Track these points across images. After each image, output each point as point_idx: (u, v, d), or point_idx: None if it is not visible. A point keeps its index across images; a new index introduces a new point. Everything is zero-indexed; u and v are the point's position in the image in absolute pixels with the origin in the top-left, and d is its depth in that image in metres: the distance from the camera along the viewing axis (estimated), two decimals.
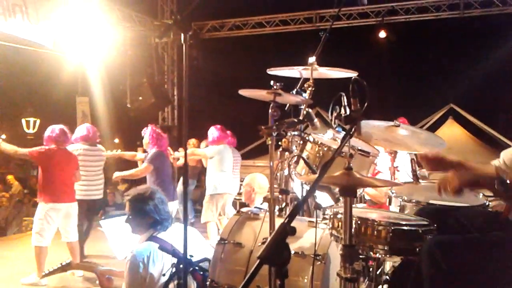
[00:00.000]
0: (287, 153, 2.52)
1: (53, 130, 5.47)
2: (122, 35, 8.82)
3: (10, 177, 13.12)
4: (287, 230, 1.23)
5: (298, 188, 2.95)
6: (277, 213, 2.43)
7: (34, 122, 13.50)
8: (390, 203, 3.05)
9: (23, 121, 13.26)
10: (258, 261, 1.18)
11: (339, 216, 2.09)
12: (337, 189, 2.22)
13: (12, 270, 5.63)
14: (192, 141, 8.00)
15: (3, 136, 5.52)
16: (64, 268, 3.04)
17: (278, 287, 1.25)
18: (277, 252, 1.20)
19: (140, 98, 9.06)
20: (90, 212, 6.18)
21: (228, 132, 6.89)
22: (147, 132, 5.98)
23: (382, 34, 9.75)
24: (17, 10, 6.76)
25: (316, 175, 2.18)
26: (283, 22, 10.30)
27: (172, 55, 10.49)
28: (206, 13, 10.11)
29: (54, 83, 11.65)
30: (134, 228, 2.86)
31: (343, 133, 2.64)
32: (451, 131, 11.55)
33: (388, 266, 2.54)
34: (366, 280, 2.32)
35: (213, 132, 6.59)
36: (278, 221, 2.29)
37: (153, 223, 2.83)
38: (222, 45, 10.85)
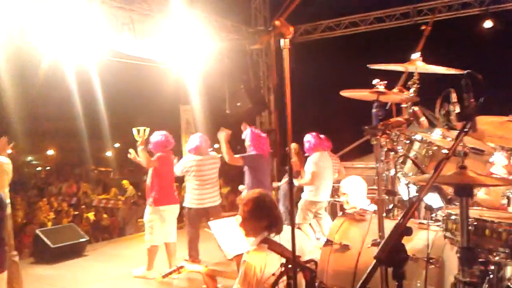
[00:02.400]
0: (392, 153, 2.45)
1: (160, 136, 5.92)
2: (218, 44, 9.19)
3: (125, 182, 14.28)
4: (404, 230, 1.21)
5: (403, 189, 2.86)
6: (383, 214, 2.38)
7: (144, 131, 14.51)
8: (509, 204, 2.82)
9: (134, 130, 14.32)
10: (374, 261, 1.18)
11: (452, 217, 1.99)
12: (450, 190, 2.12)
13: (130, 267, 6.05)
14: (293, 145, 8.03)
15: (131, 151, 5.99)
16: (178, 269, 3.25)
17: None
18: (394, 253, 1.19)
19: (238, 104, 9.36)
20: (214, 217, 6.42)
21: (322, 136, 6.81)
22: (247, 134, 6.12)
23: (488, 24, 9.05)
24: (125, 28, 7.39)
25: (426, 176, 2.11)
26: (378, 19, 10.00)
27: (267, 61, 10.70)
28: (298, 17, 10.17)
29: (160, 93, 12.46)
30: (248, 231, 2.94)
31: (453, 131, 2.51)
32: None
33: (509, 271, 2.36)
34: (486, 286, 2.18)
35: (309, 139, 6.58)
36: (385, 223, 2.24)
37: (267, 226, 2.89)
38: (314, 48, 10.83)
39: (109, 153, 30.50)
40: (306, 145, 6.59)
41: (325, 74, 11.53)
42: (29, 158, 28.93)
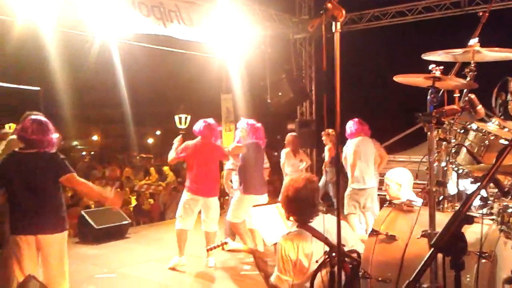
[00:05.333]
0: (444, 143, 2.36)
1: (199, 124, 5.79)
2: (262, 33, 9.16)
3: (165, 168, 14.58)
4: (464, 218, 1.15)
5: (452, 182, 2.76)
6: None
7: (186, 118, 14.80)
8: None
9: (176, 117, 14.60)
10: (431, 250, 1.13)
11: (509, 210, 1.89)
12: (506, 182, 2.02)
13: (169, 251, 6.14)
14: (330, 131, 7.91)
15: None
16: (222, 245, 3.29)
17: (454, 279, 1.18)
18: (453, 241, 1.14)
19: (280, 93, 9.32)
20: None
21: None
22: (243, 126, 6.08)
23: None
24: (172, 16, 7.49)
25: (483, 165, 2.01)
26: (426, 9, 9.64)
27: (310, 51, 10.58)
28: (342, 5, 9.96)
29: (202, 82, 12.57)
30: (289, 213, 2.94)
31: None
32: None
33: None
34: None
35: (350, 125, 6.53)
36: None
37: (306, 212, 2.88)
38: (359, 38, 10.58)
39: (150, 140, 31.24)
40: (348, 131, 6.55)
41: (369, 65, 11.29)
42: (75, 143, 29.98)
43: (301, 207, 2.86)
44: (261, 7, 9.17)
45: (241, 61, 9.73)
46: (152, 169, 14.89)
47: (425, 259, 1.13)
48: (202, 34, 8.13)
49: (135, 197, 12.17)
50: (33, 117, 3.72)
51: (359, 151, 6.36)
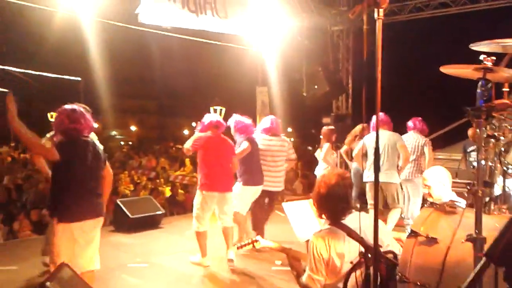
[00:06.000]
0: (492, 140, 2.19)
1: (211, 117, 5.57)
2: (299, 25, 9.00)
3: (187, 160, 14.79)
4: None
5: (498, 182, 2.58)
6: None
7: (220, 111, 14.85)
8: None
9: (211, 109, 14.68)
10: (484, 259, 1.01)
11: None
12: None
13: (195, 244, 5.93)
14: (359, 127, 7.78)
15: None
16: (253, 242, 3.22)
17: None
18: (507, 251, 1.02)
19: (316, 86, 9.16)
20: (270, 202, 6.32)
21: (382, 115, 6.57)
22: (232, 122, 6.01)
23: None
24: (207, 7, 7.45)
25: None
26: (471, 0, 9.22)
27: (347, 43, 10.34)
28: None
29: (238, 74, 12.55)
30: (321, 211, 2.84)
31: None
32: None
33: None
34: None
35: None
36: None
37: (338, 209, 2.78)
38: (400, 29, 10.26)
39: (186, 131, 31.64)
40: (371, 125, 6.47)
41: (408, 57, 10.93)
42: (114, 132, 30.74)
43: (334, 204, 2.76)
44: None
45: (276, 53, 9.62)
46: (187, 160, 15.03)
47: (477, 269, 1.02)
48: (236, 26, 8.06)
49: (169, 187, 12.31)
50: (68, 107, 3.74)
51: (365, 146, 6.36)
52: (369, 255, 2.10)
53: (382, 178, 6.31)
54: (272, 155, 6.10)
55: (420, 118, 6.88)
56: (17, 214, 7.91)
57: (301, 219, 3.81)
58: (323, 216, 2.87)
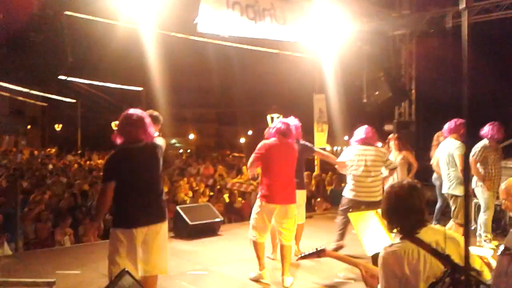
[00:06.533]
0: None
1: (279, 124, 5.15)
2: (359, 29, 8.77)
3: (244, 167, 14.78)
4: None
5: None
6: None
7: (278, 118, 14.81)
8: None
9: (268, 117, 14.65)
10: None
11: None
12: None
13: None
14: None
15: None
16: (318, 253, 3.06)
17: None
18: None
19: (377, 93, 8.88)
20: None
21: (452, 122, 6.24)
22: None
23: None
24: (266, 14, 7.42)
25: None
26: None
27: (410, 48, 9.95)
28: None
29: (295, 81, 12.45)
30: (392, 225, 2.65)
31: None
32: None
33: None
34: None
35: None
36: None
37: (410, 221, 2.58)
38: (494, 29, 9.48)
39: (242, 140, 31.92)
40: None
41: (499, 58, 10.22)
42: (173, 141, 31.59)
43: (406, 216, 2.56)
44: (358, 1, 8.78)
45: (335, 59, 9.43)
46: (244, 168, 15.09)
47: None
48: (295, 33, 7.97)
49: (227, 194, 12.38)
50: (131, 111, 3.78)
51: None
52: (456, 275, 1.89)
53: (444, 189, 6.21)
54: (366, 165, 5.82)
55: (494, 123, 6.53)
56: (82, 219, 8.21)
57: (369, 231, 3.63)
58: (392, 229, 2.68)
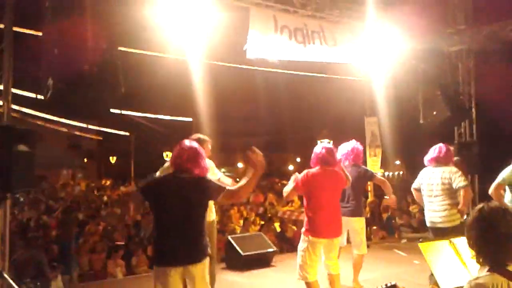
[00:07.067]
0: None
1: (320, 148, 4.83)
2: (412, 47, 8.40)
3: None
4: None
5: None
6: None
7: (328, 144, 14.44)
8: None
9: (318, 142, 14.35)
10: None
11: None
12: None
13: None
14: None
15: None
16: None
17: None
18: None
19: (434, 112, 8.40)
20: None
21: None
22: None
23: None
24: (315, 36, 7.26)
25: None
26: None
27: (467, 64, 9.42)
28: (507, 10, 8.68)
29: (345, 105, 12.18)
30: (481, 255, 2.31)
31: None
32: None
33: None
34: None
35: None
36: None
37: (499, 251, 2.24)
38: None
39: (291, 167, 31.67)
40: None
41: None
42: (222, 170, 31.79)
43: (498, 245, 2.23)
44: (411, 18, 8.44)
45: (387, 79, 9.09)
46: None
47: None
48: (346, 54, 7.75)
49: (278, 223, 12.08)
50: (187, 143, 3.62)
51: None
52: None
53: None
54: (429, 189, 5.38)
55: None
56: (135, 250, 8.17)
57: (443, 263, 3.26)
58: (480, 260, 2.34)
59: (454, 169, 5.35)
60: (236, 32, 6.78)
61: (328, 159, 4.74)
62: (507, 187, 5.28)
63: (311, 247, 4.66)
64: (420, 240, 3.54)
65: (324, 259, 4.89)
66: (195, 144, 3.63)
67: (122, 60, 4.67)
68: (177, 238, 3.40)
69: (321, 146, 4.89)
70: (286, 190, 4.86)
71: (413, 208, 12.24)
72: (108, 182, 23.96)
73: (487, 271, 2.26)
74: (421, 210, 11.81)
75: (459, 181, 5.21)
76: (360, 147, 5.70)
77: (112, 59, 4.48)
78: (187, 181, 3.47)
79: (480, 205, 2.41)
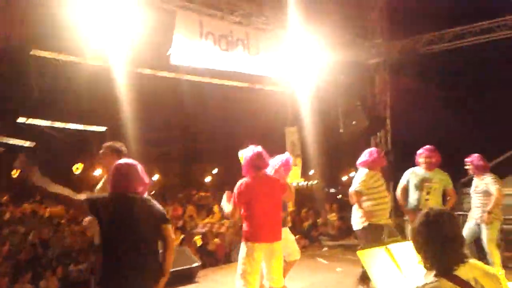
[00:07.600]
0: None
1: (249, 153, 4.59)
2: (333, 59, 8.62)
3: (215, 207, 14.25)
4: None
5: None
6: None
7: (257, 147, 14.34)
8: None
9: (239, 153, 14.21)
10: None
11: None
12: None
13: None
14: None
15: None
16: None
17: None
18: None
19: (354, 122, 8.69)
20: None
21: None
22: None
23: None
24: (239, 43, 7.14)
25: None
26: None
27: (384, 76, 9.89)
28: (420, 25, 9.31)
29: (266, 115, 12.19)
30: (429, 260, 2.29)
31: None
32: None
33: None
34: None
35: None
36: None
37: (455, 255, 2.24)
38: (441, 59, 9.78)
39: (208, 178, 31.20)
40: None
41: (451, 87, 10.41)
42: None
43: (444, 247, 2.23)
44: (332, 31, 8.67)
45: (310, 90, 9.22)
46: (215, 207, 14.47)
47: None
48: (267, 66, 7.70)
49: (199, 237, 11.71)
50: (121, 161, 3.46)
51: None
52: None
53: None
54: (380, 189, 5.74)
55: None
56: (44, 272, 7.40)
57: (380, 269, 3.25)
58: (428, 264, 2.31)
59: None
60: (161, 36, 6.43)
61: (258, 163, 4.53)
62: (410, 188, 5.90)
63: (250, 253, 4.43)
64: (359, 248, 3.51)
65: (266, 271, 4.59)
66: (129, 161, 3.49)
67: (36, 62, 4.17)
68: (120, 265, 3.16)
69: (251, 149, 4.63)
70: (227, 210, 4.62)
71: (331, 217, 12.54)
72: (5, 198, 21.77)
73: (434, 275, 2.24)
74: (340, 218, 12.23)
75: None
76: (290, 159, 5.55)
77: (25, 60, 3.99)
78: (134, 200, 3.29)
79: (425, 210, 2.40)
